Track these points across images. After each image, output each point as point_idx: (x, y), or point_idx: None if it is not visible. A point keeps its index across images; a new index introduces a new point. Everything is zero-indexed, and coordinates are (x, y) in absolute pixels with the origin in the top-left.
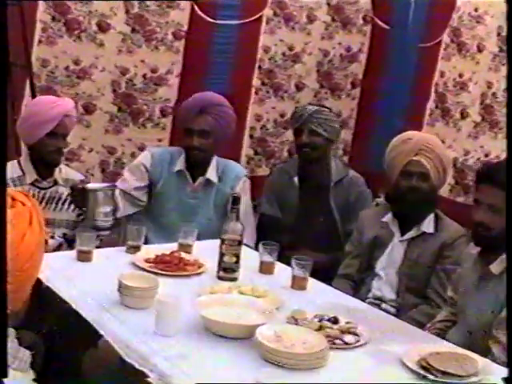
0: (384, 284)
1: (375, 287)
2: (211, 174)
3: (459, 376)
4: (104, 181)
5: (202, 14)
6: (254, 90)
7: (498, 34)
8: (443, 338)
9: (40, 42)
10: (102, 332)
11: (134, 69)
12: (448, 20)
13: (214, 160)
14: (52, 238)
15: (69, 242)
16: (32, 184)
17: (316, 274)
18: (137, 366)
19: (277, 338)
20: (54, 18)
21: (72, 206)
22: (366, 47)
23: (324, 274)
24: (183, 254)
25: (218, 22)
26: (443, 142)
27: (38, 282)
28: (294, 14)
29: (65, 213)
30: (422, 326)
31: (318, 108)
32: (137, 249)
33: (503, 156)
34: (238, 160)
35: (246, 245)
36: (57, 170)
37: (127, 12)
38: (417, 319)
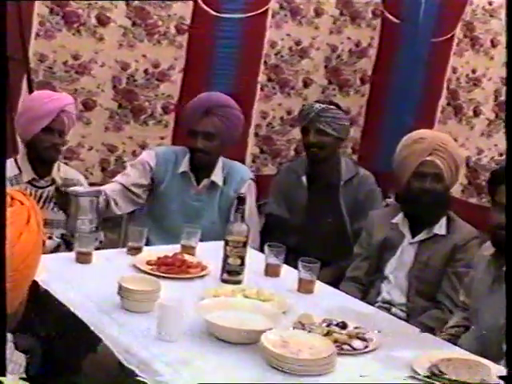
0: (393, 287)
1: (384, 291)
2: (216, 176)
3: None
4: (104, 180)
5: (206, 7)
6: (259, 87)
7: None
8: (455, 344)
9: (37, 35)
10: (101, 336)
11: (135, 64)
12: (461, 14)
13: (220, 161)
14: (50, 238)
15: (67, 243)
16: (29, 183)
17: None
18: (137, 371)
19: (283, 344)
20: (51, 11)
21: None
22: (376, 42)
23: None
24: (186, 256)
25: (221, 15)
26: (455, 140)
27: (36, 284)
28: (300, 8)
29: (63, 213)
30: (432, 331)
31: (325, 106)
32: (138, 250)
33: None
34: (243, 159)
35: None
36: (55, 168)
37: (128, 5)
38: (427, 324)
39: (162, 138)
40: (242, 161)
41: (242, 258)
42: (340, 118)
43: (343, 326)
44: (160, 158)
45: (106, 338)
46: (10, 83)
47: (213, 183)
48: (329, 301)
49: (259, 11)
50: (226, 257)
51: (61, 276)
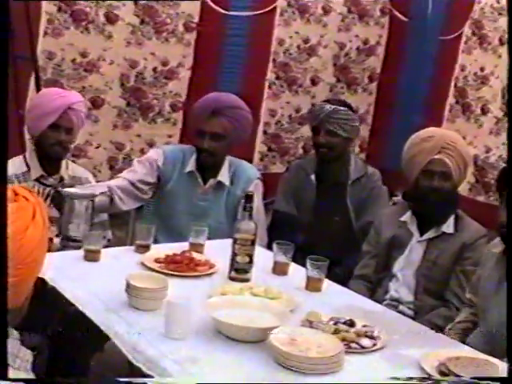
0: (401, 285)
1: (392, 289)
2: (223, 176)
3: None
4: (112, 179)
5: (214, 5)
6: (267, 85)
7: None
8: (463, 342)
9: (46, 33)
10: (109, 334)
11: (143, 62)
12: (469, 12)
13: (227, 161)
14: (57, 236)
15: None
16: (37, 180)
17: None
18: (145, 369)
19: (291, 342)
20: (59, 9)
21: None
22: (384, 40)
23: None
24: (194, 254)
25: (229, 13)
26: (464, 138)
27: (43, 282)
28: (308, 5)
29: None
30: (440, 329)
31: (335, 107)
32: (146, 248)
33: None
34: (251, 157)
35: None
36: (63, 166)
37: (136, 3)
38: (435, 322)
39: (170, 136)
40: (250, 159)
41: (250, 256)
42: (350, 118)
43: (351, 324)
44: (167, 157)
45: (113, 336)
46: (18, 81)
47: (219, 183)
48: (337, 299)
49: (267, 9)
50: (234, 255)
51: (68, 274)
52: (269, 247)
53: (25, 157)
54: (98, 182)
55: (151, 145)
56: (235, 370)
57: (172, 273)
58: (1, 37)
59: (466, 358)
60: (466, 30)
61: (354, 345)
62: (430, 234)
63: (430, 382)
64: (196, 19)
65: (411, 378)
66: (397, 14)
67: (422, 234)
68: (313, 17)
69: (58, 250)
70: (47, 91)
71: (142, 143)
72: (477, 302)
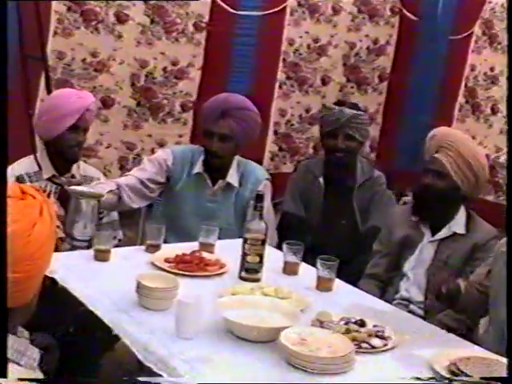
0: (412, 285)
1: (403, 288)
2: (232, 177)
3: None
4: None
5: (224, 5)
6: (278, 84)
7: None
8: (472, 341)
9: (55, 33)
10: (119, 334)
11: (153, 61)
12: (479, 11)
13: (235, 161)
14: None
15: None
16: (49, 180)
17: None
18: (155, 369)
19: (301, 342)
20: (69, 9)
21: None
22: (394, 40)
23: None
24: (204, 254)
25: (239, 12)
26: (473, 138)
27: (53, 281)
28: (318, 5)
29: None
30: (450, 330)
31: (356, 113)
32: (156, 248)
33: None
34: (261, 157)
35: None
36: (74, 166)
37: (146, 2)
38: (446, 323)
39: (181, 136)
40: (261, 159)
41: (261, 256)
42: (366, 123)
43: (362, 324)
44: (177, 158)
45: (124, 335)
46: (28, 81)
47: (228, 184)
48: (347, 299)
49: (277, 9)
50: (244, 254)
51: (79, 274)
52: (279, 247)
53: (36, 157)
54: None
55: (162, 145)
56: (245, 370)
57: (182, 272)
58: (1, 38)
59: (477, 357)
60: (476, 29)
61: (364, 345)
62: (441, 234)
63: (438, 382)
64: (206, 19)
65: (418, 379)
66: (407, 13)
67: (433, 234)
68: (323, 16)
69: (70, 250)
70: (62, 93)
71: (152, 143)
72: (489, 301)
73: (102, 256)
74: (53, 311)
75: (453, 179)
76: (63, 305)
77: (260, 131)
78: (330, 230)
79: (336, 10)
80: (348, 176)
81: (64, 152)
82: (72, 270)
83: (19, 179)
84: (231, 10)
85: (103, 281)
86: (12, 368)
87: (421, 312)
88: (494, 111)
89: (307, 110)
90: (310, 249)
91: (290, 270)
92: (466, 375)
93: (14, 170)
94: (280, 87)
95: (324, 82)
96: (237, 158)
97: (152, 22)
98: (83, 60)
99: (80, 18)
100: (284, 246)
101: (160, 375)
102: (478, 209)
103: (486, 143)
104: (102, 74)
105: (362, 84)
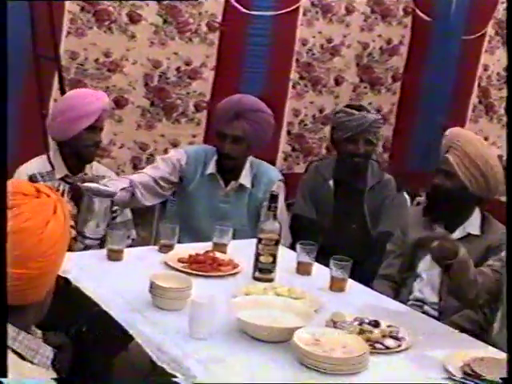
0: (426, 286)
1: (417, 289)
2: (244, 178)
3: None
4: None
5: (237, 5)
6: (291, 84)
7: None
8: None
9: (69, 33)
10: (133, 334)
11: (166, 62)
12: (492, 11)
13: (248, 162)
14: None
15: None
16: (62, 179)
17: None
18: (168, 369)
19: (315, 342)
20: (82, 9)
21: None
22: (407, 40)
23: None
24: (217, 254)
25: (252, 12)
26: (486, 139)
27: (67, 281)
28: (331, 5)
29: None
30: (464, 331)
31: (376, 117)
32: (170, 248)
33: None
34: (274, 157)
35: None
36: (87, 165)
37: (159, 2)
38: (460, 324)
39: (194, 136)
40: (274, 159)
41: (274, 256)
42: (381, 127)
43: (376, 324)
44: (190, 158)
45: (137, 335)
46: (42, 81)
47: (241, 185)
48: (361, 299)
49: (290, 9)
50: (258, 255)
51: (92, 273)
52: (292, 247)
53: (48, 156)
54: None
55: (175, 145)
56: (259, 370)
57: (195, 273)
58: (0, 38)
59: (491, 358)
60: (489, 29)
61: (378, 345)
62: (455, 235)
63: (452, 383)
64: (219, 19)
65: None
66: (420, 13)
67: None
68: (335, 17)
69: (83, 250)
70: (77, 93)
71: (165, 143)
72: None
73: (115, 256)
74: (66, 311)
75: (460, 179)
76: (76, 304)
77: (274, 132)
78: (341, 233)
79: (349, 10)
80: (359, 179)
81: (80, 152)
82: (85, 270)
83: (32, 178)
84: (244, 10)
85: (116, 280)
86: (25, 366)
87: (435, 313)
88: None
89: (320, 110)
90: (321, 251)
91: (303, 270)
92: (480, 376)
93: (26, 169)
94: (293, 87)
95: (337, 82)
96: (250, 158)
97: (165, 22)
98: (96, 60)
99: (93, 18)
100: (297, 246)
101: (173, 375)
102: (491, 209)
103: (500, 143)
104: (116, 74)
105: (376, 84)
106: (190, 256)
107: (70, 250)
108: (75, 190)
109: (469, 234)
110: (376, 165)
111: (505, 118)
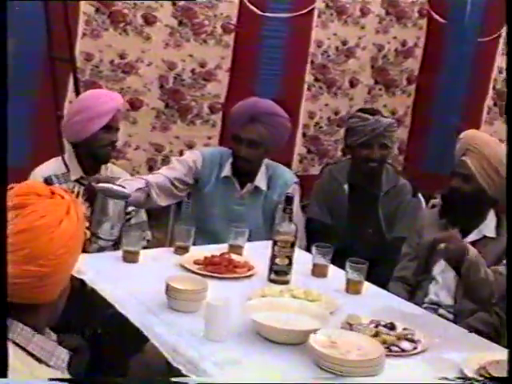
0: (441, 289)
1: (432, 292)
2: (260, 181)
3: None
4: None
5: (252, 7)
6: (306, 86)
7: None
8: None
9: (84, 35)
10: (148, 336)
11: (181, 63)
12: None
13: (264, 165)
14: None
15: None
16: (77, 181)
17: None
18: (184, 371)
19: (331, 344)
20: (97, 10)
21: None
22: (422, 42)
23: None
24: (233, 256)
25: (267, 14)
26: (501, 141)
27: (83, 283)
28: (346, 7)
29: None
30: (479, 333)
31: (391, 121)
32: (185, 250)
33: None
34: (290, 159)
35: None
36: (103, 167)
37: (174, 4)
38: (476, 327)
39: (210, 138)
40: (289, 161)
41: (290, 258)
42: (396, 130)
43: (391, 327)
44: (206, 160)
45: (153, 337)
46: (57, 83)
47: (256, 188)
48: (377, 302)
49: (305, 11)
50: (273, 257)
51: (107, 275)
52: (307, 249)
53: (63, 158)
54: None
55: (190, 146)
56: (275, 373)
57: (211, 274)
58: (0, 38)
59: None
60: (504, 31)
61: (394, 348)
62: (470, 238)
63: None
64: (234, 21)
65: (446, 379)
66: (435, 15)
67: (463, 238)
68: (350, 18)
69: (98, 251)
70: (91, 93)
71: (180, 145)
72: None
73: (130, 257)
74: (82, 313)
75: (478, 182)
76: (92, 306)
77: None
78: (356, 238)
79: (364, 12)
80: (374, 184)
81: (96, 152)
82: (101, 272)
83: (47, 180)
84: (259, 12)
85: (132, 282)
86: (40, 369)
87: (450, 316)
88: None
89: (336, 113)
90: (337, 253)
91: (319, 272)
92: (496, 379)
93: (42, 171)
94: (308, 89)
95: (352, 85)
96: (265, 161)
97: (180, 23)
98: (111, 62)
99: (108, 19)
100: (313, 249)
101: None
102: (505, 211)
103: None
104: (130, 76)
105: (391, 86)
106: (206, 258)
107: (85, 251)
108: (90, 190)
109: (484, 237)
110: (391, 169)
111: None
